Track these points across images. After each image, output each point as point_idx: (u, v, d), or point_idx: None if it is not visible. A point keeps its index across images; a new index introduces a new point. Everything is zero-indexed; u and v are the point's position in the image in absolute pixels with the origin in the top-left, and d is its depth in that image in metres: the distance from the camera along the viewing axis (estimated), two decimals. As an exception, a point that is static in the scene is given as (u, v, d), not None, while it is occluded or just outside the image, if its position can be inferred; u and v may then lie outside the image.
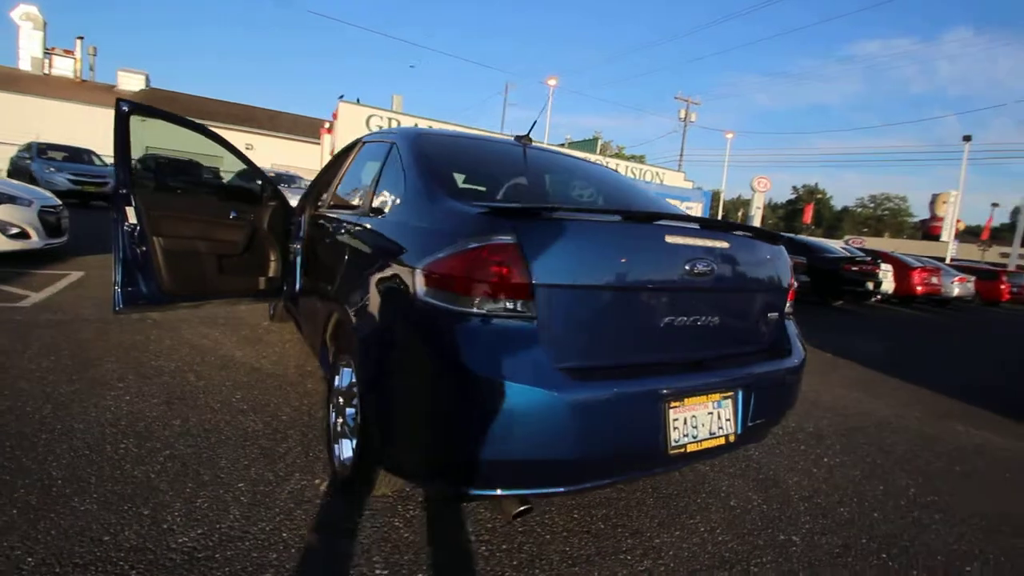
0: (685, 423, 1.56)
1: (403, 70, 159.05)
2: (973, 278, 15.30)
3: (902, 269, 12.99)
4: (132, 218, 2.94)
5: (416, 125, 27.74)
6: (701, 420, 1.60)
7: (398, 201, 1.91)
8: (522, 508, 1.50)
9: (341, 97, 27.21)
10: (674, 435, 1.53)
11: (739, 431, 1.72)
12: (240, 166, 3.54)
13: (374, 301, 1.70)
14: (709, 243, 1.69)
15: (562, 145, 32.98)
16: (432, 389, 1.39)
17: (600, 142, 49.08)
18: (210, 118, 25.86)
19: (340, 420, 2.07)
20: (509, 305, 1.36)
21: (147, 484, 1.94)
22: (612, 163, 26.16)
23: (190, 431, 2.37)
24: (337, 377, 2.11)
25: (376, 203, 2.09)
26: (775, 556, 1.94)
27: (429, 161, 1.93)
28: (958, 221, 29.14)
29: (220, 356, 3.44)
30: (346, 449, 1.99)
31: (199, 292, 3.31)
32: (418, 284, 1.47)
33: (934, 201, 46.03)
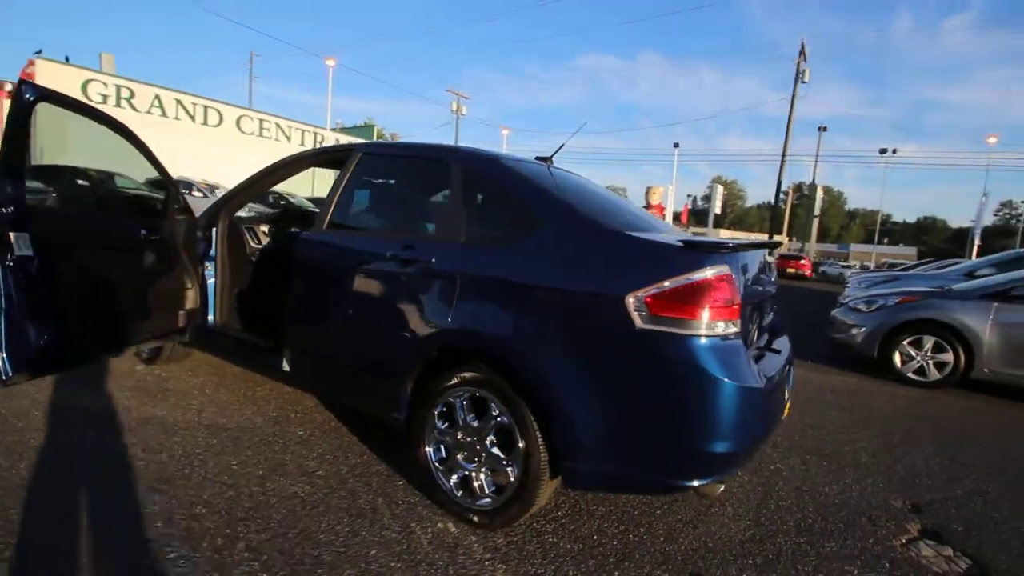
0: (783, 394, 2.09)
1: (111, 23, 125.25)
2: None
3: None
4: (22, 247, 2.11)
5: (159, 96, 22.55)
6: (783, 391, 2.15)
7: (526, 231, 1.93)
8: (722, 488, 1.80)
9: (38, 53, 20.54)
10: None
11: (790, 393, 2.33)
12: (147, 171, 2.77)
13: (565, 332, 1.74)
14: (771, 258, 2.25)
15: (333, 130, 31.14)
16: (680, 404, 1.59)
17: (376, 129, 47.94)
18: None
19: (462, 455, 2.00)
20: (727, 324, 1.64)
21: (272, 585, 1.59)
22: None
23: (236, 516, 1.93)
24: (450, 415, 2.02)
25: (479, 233, 2.05)
26: (798, 474, 2.65)
27: (555, 190, 2.00)
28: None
29: (141, 419, 2.67)
30: (485, 481, 1.95)
31: (118, 341, 2.55)
32: (632, 311, 1.63)
33: (647, 193, 59.03)
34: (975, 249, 25.71)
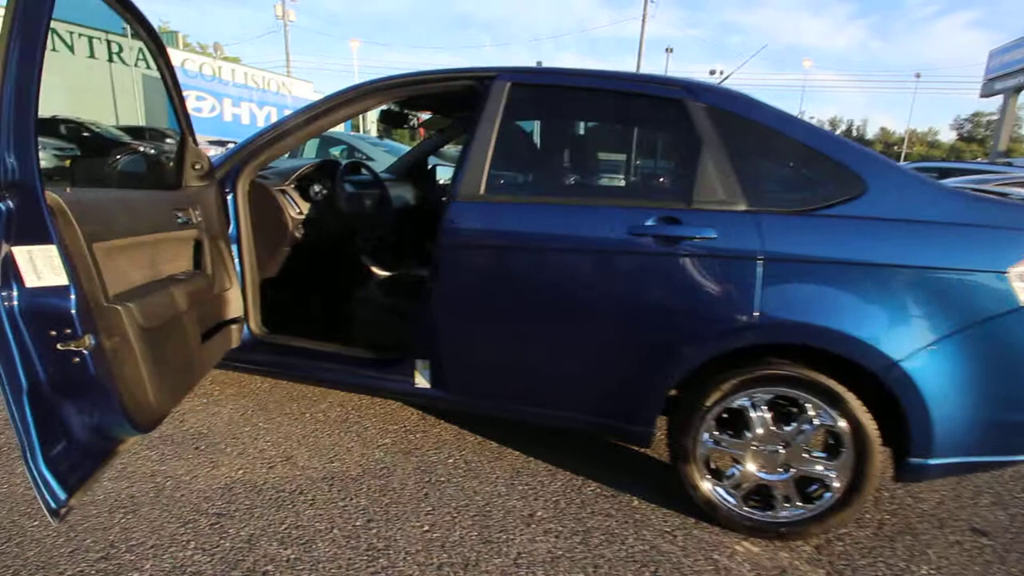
0: None
1: None
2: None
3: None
4: (40, 275, 1.21)
5: None
6: None
7: (844, 193, 1.58)
8: None
9: None
10: None
11: None
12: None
13: (926, 314, 1.48)
14: None
15: (135, 37, 24.62)
16: None
17: (179, 36, 39.30)
18: None
19: (756, 465, 1.71)
20: None
21: None
22: (215, 67, 21.82)
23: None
24: (737, 421, 1.70)
25: (767, 196, 1.63)
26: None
27: (845, 138, 1.69)
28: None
29: (224, 488, 1.88)
30: (791, 492, 1.69)
31: (187, 387, 1.70)
32: (1015, 285, 1.44)
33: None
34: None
